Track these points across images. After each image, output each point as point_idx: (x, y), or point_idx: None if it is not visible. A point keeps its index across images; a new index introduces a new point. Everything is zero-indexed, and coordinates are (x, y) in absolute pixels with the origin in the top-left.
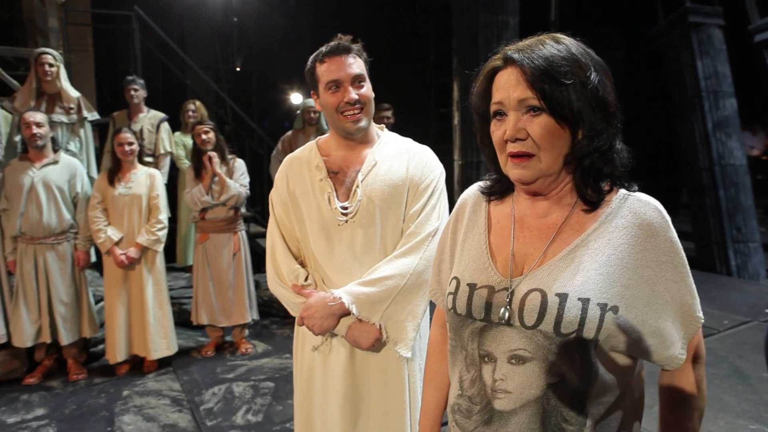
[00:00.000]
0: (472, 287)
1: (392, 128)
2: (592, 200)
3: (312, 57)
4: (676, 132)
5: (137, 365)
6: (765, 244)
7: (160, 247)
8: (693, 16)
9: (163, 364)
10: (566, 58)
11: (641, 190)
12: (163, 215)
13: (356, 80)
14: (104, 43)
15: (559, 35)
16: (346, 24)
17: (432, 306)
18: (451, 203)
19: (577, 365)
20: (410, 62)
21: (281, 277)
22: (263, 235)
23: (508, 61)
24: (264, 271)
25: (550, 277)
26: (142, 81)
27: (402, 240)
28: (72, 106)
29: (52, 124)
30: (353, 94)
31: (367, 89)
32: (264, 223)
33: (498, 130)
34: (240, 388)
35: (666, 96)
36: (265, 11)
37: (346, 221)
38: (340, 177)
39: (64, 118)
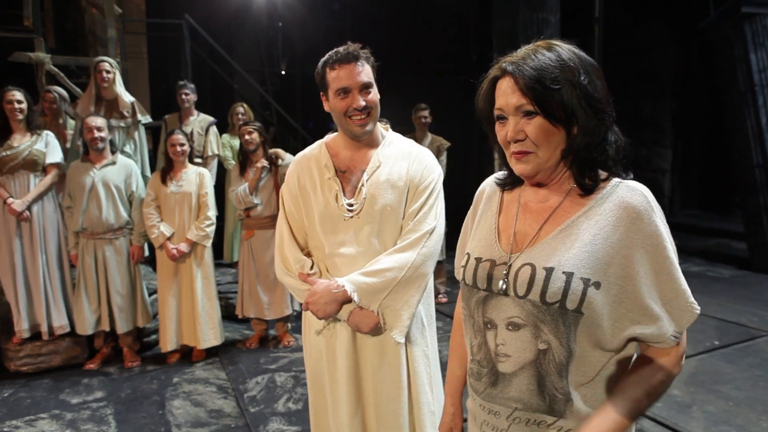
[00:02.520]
0: (478, 261)
1: (430, 128)
2: (586, 187)
3: (322, 62)
4: (728, 128)
5: (186, 355)
6: None
7: (209, 243)
8: (746, 6)
9: (211, 354)
10: (556, 65)
11: (693, 188)
12: (212, 212)
13: (364, 87)
14: (157, 50)
15: (554, 42)
16: (388, 26)
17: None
18: None
19: (563, 335)
20: (452, 62)
21: (288, 267)
22: None
23: (505, 72)
24: None
25: (542, 253)
26: (192, 86)
27: (402, 236)
28: (127, 110)
29: (110, 128)
30: (361, 101)
31: (374, 95)
32: None
33: (501, 132)
34: (282, 378)
35: (718, 91)
36: (309, 15)
37: (352, 217)
38: (347, 176)
39: (120, 122)
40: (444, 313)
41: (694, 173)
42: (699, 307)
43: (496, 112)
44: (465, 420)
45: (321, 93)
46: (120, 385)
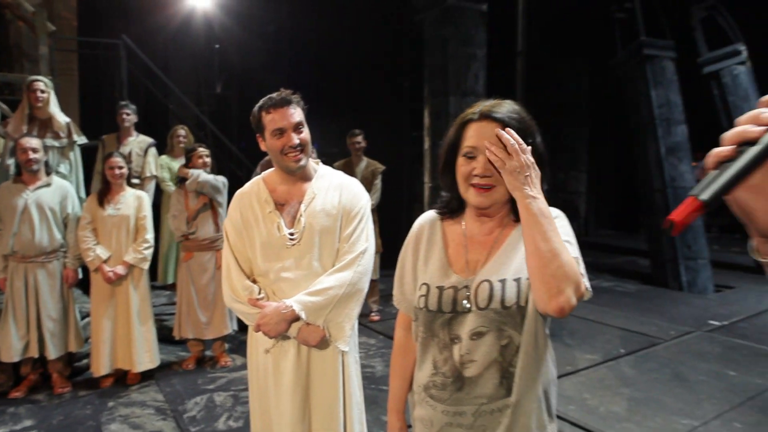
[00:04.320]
0: (440, 289)
1: (365, 152)
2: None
3: (257, 107)
4: (634, 156)
5: (120, 378)
6: (716, 261)
7: (146, 265)
8: (647, 49)
9: (146, 377)
10: (521, 118)
11: (606, 210)
12: (150, 235)
13: (297, 127)
14: (89, 68)
15: (512, 102)
16: (323, 50)
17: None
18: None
19: (519, 327)
20: (386, 89)
21: (237, 294)
22: None
23: (484, 117)
24: None
25: (493, 270)
26: (134, 106)
27: (338, 257)
28: (62, 131)
29: (44, 148)
30: (295, 140)
31: (306, 134)
32: None
33: (466, 167)
34: (221, 398)
35: (627, 122)
36: (245, 37)
37: (294, 244)
38: (285, 207)
39: (54, 142)
40: (377, 331)
41: (607, 196)
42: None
43: (465, 149)
44: (409, 427)
45: (257, 134)
46: (50, 413)
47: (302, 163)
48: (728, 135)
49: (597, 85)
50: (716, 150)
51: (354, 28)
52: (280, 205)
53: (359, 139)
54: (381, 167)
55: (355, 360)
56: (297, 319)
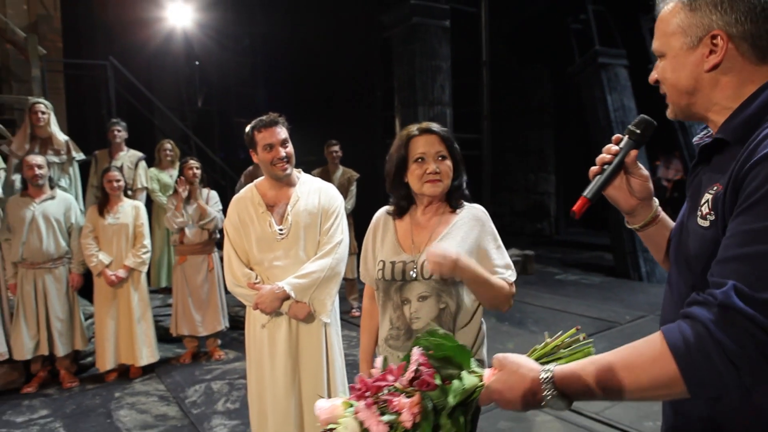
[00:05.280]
0: (393, 263)
1: (341, 160)
2: (452, 209)
3: (250, 127)
4: (593, 156)
5: (124, 373)
6: None
7: (145, 268)
8: (602, 57)
9: (147, 371)
10: (447, 133)
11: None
12: (147, 241)
13: (283, 143)
14: (75, 87)
15: (432, 124)
16: (298, 65)
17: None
18: None
19: (454, 297)
20: (360, 98)
21: (238, 280)
22: None
23: (425, 132)
24: None
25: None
26: (124, 123)
27: (319, 248)
28: (62, 148)
29: (47, 164)
30: (282, 153)
31: (290, 148)
32: None
33: (419, 169)
34: (218, 386)
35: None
36: (222, 53)
37: (283, 238)
38: (275, 208)
39: (55, 159)
40: (357, 325)
41: (575, 195)
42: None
43: (416, 156)
44: None
45: (250, 150)
46: (63, 403)
47: (288, 171)
48: (597, 159)
49: (560, 91)
50: (592, 168)
51: (328, 43)
52: (270, 207)
53: (336, 148)
54: (356, 175)
55: (336, 333)
56: (288, 297)
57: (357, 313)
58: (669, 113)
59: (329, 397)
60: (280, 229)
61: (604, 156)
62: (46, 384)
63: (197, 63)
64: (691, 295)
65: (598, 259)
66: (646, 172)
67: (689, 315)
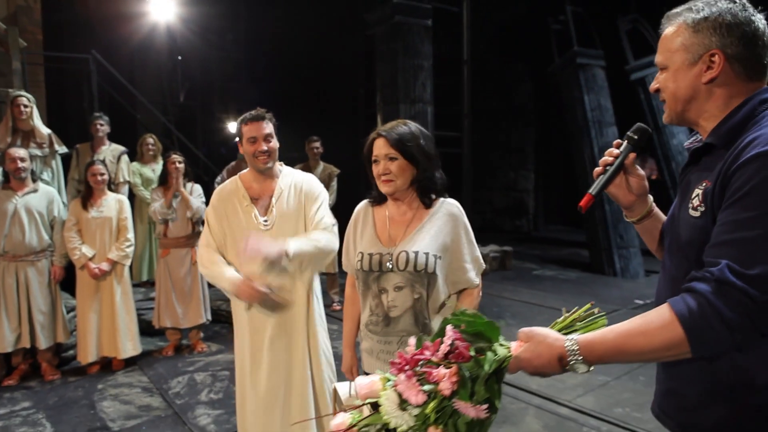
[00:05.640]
0: (371, 255)
1: (322, 156)
2: (426, 203)
3: (239, 120)
4: (571, 155)
5: (106, 365)
6: (645, 249)
7: (128, 262)
8: (580, 58)
9: (130, 363)
10: (409, 133)
11: (554, 205)
12: (131, 234)
13: (267, 137)
14: (55, 80)
15: (408, 121)
16: (281, 61)
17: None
18: None
19: (426, 287)
20: (343, 95)
21: (213, 260)
22: None
23: (379, 136)
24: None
25: (410, 244)
26: (107, 118)
27: (315, 228)
28: (44, 141)
29: (30, 157)
30: (264, 147)
31: (274, 143)
32: None
33: (375, 169)
34: (201, 377)
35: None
36: (205, 48)
37: (267, 229)
38: (259, 201)
39: (38, 152)
40: (339, 318)
41: (554, 193)
42: (484, 264)
43: (373, 158)
44: (359, 360)
45: (237, 140)
46: (45, 395)
47: (269, 165)
48: (600, 161)
49: (541, 90)
50: (596, 169)
51: (312, 40)
52: (254, 200)
53: (317, 144)
54: (336, 170)
55: (320, 316)
56: (278, 261)
57: (338, 307)
58: (665, 118)
59: (313, 382)
60: (265, 221)
61: (606, 158)
62: (27, 377)
63: (180, 58)
64: (690, 273)
65: (574, 256)
66: (642, 172)
67: (691, 289)
